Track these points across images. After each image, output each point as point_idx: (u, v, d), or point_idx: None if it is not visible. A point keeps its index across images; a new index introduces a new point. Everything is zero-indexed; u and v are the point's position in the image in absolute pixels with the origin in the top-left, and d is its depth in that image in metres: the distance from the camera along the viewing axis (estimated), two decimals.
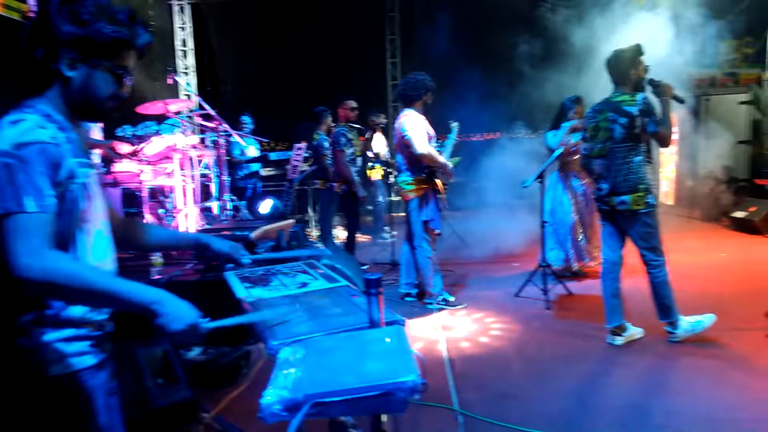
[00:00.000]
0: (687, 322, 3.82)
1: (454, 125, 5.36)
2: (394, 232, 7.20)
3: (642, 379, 3.40)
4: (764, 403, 2.98)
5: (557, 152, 5.04)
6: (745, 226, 7.64)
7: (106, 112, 1.49)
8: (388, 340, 1.43)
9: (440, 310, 4.83)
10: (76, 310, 1.42)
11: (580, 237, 5.63)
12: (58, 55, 1.37)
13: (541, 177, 4.93)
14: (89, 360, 1.44)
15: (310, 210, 8.12)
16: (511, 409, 3.06)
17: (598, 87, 7.20)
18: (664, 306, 3.81)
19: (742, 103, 9.67)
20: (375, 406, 1.17)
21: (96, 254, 1.48)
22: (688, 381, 3.31)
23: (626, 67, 3.76)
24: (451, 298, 4.95)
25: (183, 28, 10.32)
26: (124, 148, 5.16)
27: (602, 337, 4.02)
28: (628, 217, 3.76)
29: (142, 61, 1.57)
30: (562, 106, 5.65)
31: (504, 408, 3.08)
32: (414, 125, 4.68)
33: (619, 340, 3.90)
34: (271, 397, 1.17)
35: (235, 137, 6.50)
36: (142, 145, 5.07)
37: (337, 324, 1.62)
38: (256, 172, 6.96)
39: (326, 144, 6.19)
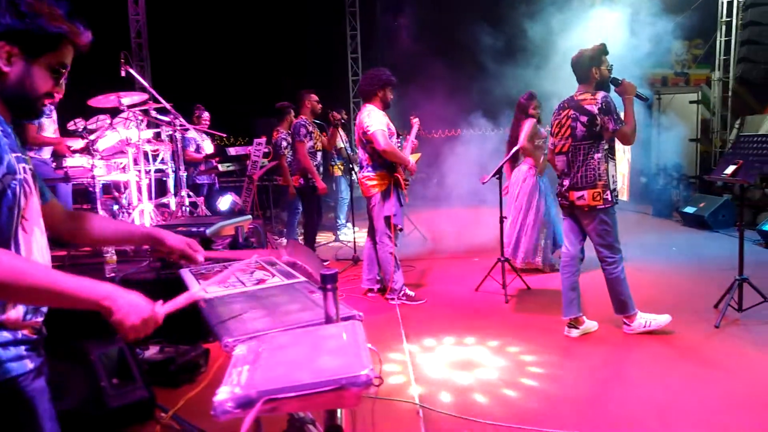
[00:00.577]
0: (643, 318, 3.94)
1: (415, 121, 5.39)
2: (357, 228, 7.19)
3: (598, 371, 3.49)
4: (711, 392, 3.10)
5: (514, 149, 5.10)
6: (695, 221, 7.92)
7: (40, 109, 1.44)
8: (344, 335, 1.42)
9: (402, 305, 4.85)
10: (14, 313, 1.35)
11: (543, 234, 5.74)
12: None
13: (499, 173, 4.99)
14: (28, 364, 1.37)
15: (271, 206, 8.04)
16: (470, 403, 3.10)
17: (558, 83, 7.37)
18: (620, 301, 3.93)
19: (692, 102, 10.02)
20: (329, 401, 1.16)
21: (36, 254, 1.40)
22: (642, 371, 3.41)
23: (589, 66, 3.83)
24: (412, 293, 4.97)
25: (137, 20, 10.05)
26: (75, 144, 5.00)
27: (559, 329, 4.10)
28: (587, 212, 3.85)
29: (93, 51, 1.53)
30: (519, 104, 5.72)
31: (463, 401, 3.12)
32: (375, 121, 4.68)
33: (575, 332, 4.00)
34: (224, 394, 1.15)
35: (193, 131, 6.37)
36: (93, 137, 4.91)
37: (293, 320, 1.61)
38: (215, 168, 6.83)
39: (284, 143, 6.13)
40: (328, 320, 1.54)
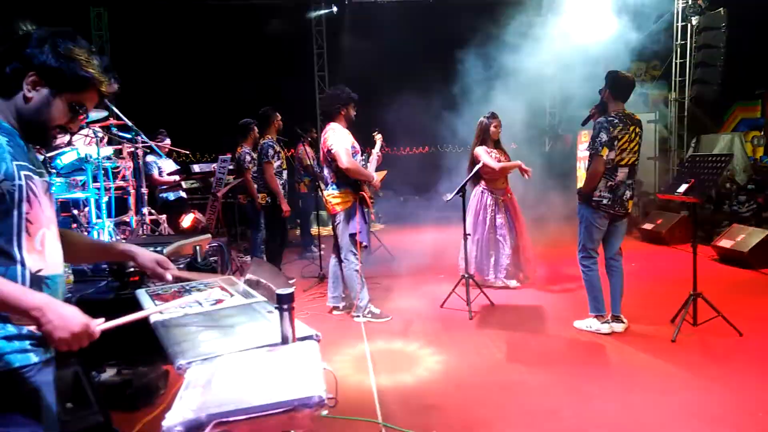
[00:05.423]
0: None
1: (378, 137, 5.41)
2: (323, 246, 7.17)
3: (558, 385, 3.53)
4: (667, 405, 3.18)
5: (476, 168, 5.19)
6: (653, 237, 8.15)
7: (51, 138, 1.55)
8: (299, 356, 1.42)
9: (367, 322, 4.84)
10: None
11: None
12: (25, 75, 1.45)
13: (462, 191, 5.06)
14: (32, 358, 1.43)
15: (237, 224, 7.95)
16: (432, 419, 3.11)
17: (519, 101, 7.54)
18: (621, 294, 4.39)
19: (651, 122, 10.35)
20: (281, 424, 1.16)
21: (46, 256, 1.48)
22: (600, 386, 3.47)
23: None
24: (378, 311, 4.97)
25: (101, 36, 9.92)
26: None
27: (522, 344, 4.16)
28: (627, 219, 4.41)
29: None
30: (480, 123, 5.81)
31: (426, 418, 3.12)
32: (338, 138, 4.70)
33: (621, 327, 4.38)
34: (173, 418, 1.14)
35: (151, 155, 6.27)
36: (51, 155, 4.80)
37: (248, 341, 1.60)
38: (179, 185, 6.74)
39: (248, 158, 6.10)
40: (284, 341, 1.54)
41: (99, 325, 1.39)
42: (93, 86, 1.52)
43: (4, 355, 1.38)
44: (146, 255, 1.89)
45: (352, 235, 4.83)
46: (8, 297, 1.30)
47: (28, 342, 1.43)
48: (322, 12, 11.52)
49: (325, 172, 4.96)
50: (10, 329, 1.40)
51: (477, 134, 5.82)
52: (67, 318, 1.33)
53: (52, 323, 1.31)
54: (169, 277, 1.92)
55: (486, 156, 5.65)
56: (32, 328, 1.41)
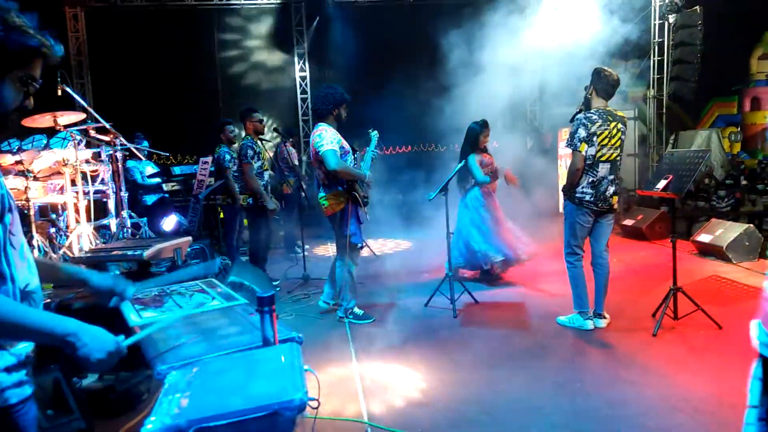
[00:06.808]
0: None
1: (374, 134, 5.26)
2: (307, 247, 7.14)
3: (542, 381, 3.55)
4: (650, 397, 3.21)
5: (456, 168, 5.21)
6: (633, 233, 8.24)
7: (11, 124, 1.38)
8: (282, 358, 1.41)
9: (350, 323, 4.82)
10: None
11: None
12: None
13: (444, 190, 5.06)
14: (27, 390, 1.34)
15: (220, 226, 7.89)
16: (418, 418, 3.11)
17: (503, 99, 7.58)
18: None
19: (630, 118, 10.47)
20: (262, 428, 1.15)
21: (28, 269, 1.38)
22: (584, 381, 3.50)
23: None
24: (361, 312, 4.94)
25: (77, 36, 9.78)
26: (4, 159, 4.78)
27: (505, 340, 4.17)
28: (612, 213, 4.39)
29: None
30: (471, 131, 5.82)
31: (411, 417, 3.12)
32: (327, 140, 4.60)
33: (604, 322, 4.41)
34: (153, 424, 1.13)
35: (131, 160, 6.20)
36: (24, 157, 4.71)
37: (230, 344, 1.58)
38: (160, 187, 6.67)
39: (228, 157, 6.04)
40: (266, 343, 1.53)
41: (124, 342, 1.35)
42: (40, 54, 1.33)
43: (5, 390, 1.28)
44: (100, 276, 1.72)
45: (346, 237, 4.75)
46: (38, 326, 1.23)
47: (24, 372, 1.33)
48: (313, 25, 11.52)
49: (317, 173, 4.88)
50: (9, 358, 1.28)
51: (468, 141, 5.83)
52: (101, 339, 1.28)
53: (88, 346, 1.25)
54: (129, 293, 1.75)
55: (477, 168, 5.71)
56: (30, 352, 1.35)
